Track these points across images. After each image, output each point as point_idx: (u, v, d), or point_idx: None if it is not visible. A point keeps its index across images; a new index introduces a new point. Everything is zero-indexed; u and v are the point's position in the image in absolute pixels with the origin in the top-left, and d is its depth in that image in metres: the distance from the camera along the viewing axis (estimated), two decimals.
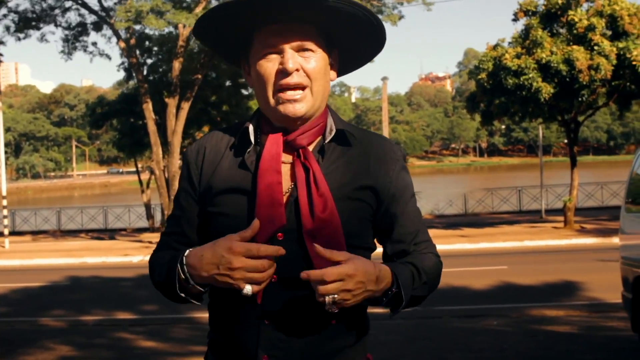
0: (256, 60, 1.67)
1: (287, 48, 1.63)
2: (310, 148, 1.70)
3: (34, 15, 23.85)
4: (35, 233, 28.26)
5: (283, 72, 1.62)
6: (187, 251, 1.62)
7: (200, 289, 1.63)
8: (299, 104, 1.64)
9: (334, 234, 1.60)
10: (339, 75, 1.83)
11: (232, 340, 1.69)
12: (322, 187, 1.61)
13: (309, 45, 1.65)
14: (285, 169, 1.68)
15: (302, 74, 1.64)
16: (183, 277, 1.61)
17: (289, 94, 1.63)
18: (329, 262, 1.52)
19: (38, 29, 24.41)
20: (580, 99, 17.82)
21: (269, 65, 1.64)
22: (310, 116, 1.68)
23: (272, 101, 1.65)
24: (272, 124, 1.71)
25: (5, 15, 23.58)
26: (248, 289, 1.55)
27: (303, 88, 1.64)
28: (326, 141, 1.70)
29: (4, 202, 23.88)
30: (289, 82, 1.62)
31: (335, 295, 1.51)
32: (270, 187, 1.61)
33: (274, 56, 1.64)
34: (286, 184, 1.66)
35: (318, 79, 1.66)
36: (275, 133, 1.68)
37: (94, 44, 25.65)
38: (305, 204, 1.61)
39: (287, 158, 1.69)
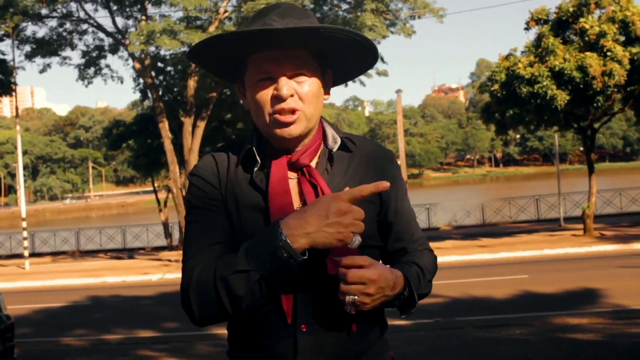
0: (251, 85, 1.74)
1: (282, 74, 1.70)
2: (313, 164, 1.78)
3: (52, 40, 24.19)
4: (55, 254, 28.47)
5: (278, 98, 1.69)
6: (280, 220, 1.58)
7: (296, 258, 1.54)
8: (293, 126, 1.71)
9: None
10: (333, 85, 1.91)
11: (269, 353, 1.71)
12: None
13: (303, 70, 1.72)
14: (292, 187, 1.75)
15: (296, 98, 1.71)
16: (280, 243, 1.53)
17: (284, 117, 1.70)
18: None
19: (57, 55, 24.77)
20: (595, 106, 17.75)
21: (264, 91, 1.71)
22: (305, 136, 1.76)
23: (268, 124, 1.72)
24: (271, 143, 1.78)
25: (22, 42, 23.93)
26: (357, 238, 1.57)
27: (297, 111, 1.71)
28: (334, 150, 1.79)
29: (24, 224, 24.10)
30: (283, 107, 1.69)
31: (356, 297, 1.58)
32: (283, 208, 1.67)
33: (268, 82, 1.71)
34: (295, 202, 1.73)
35: (311, 102, 1.73)
36: (278, 153, 1.75)
37: (108, 66, 25.80)
38: None
39: (292, 175, 1.76)
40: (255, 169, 1.75)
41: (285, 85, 1.68)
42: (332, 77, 1.86)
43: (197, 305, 1.63)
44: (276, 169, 1.73)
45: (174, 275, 18.62)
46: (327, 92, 1.84)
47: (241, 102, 1.88)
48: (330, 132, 1.82)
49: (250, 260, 1.56)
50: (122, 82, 27.30)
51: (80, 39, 25.04)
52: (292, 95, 1.69)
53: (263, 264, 1.55)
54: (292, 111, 1.70)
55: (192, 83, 22.02)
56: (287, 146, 1.76)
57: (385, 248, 1.86)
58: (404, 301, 1.72)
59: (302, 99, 1.71)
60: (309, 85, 1.72)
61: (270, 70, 1.70)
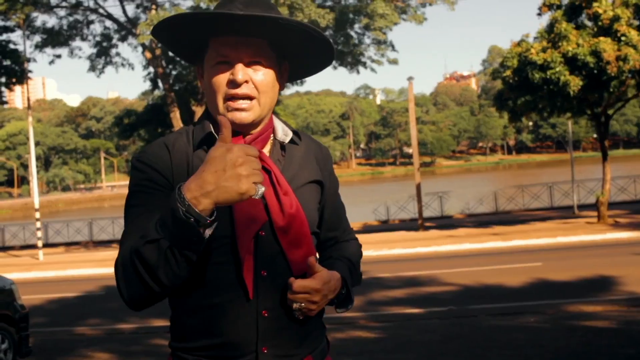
0: (209, 68, 1.77)
1: (239, 60, 1.73)
2: (266, 151, 1.82)
3: (63, 31, 24.23)
4: (68, 244, 28.69)
5: (233, 83, 1.72)
6: (179, 185, 1.49)
7: (203, 223, 1.47)
8: (245, 113, 1.73)
9: (301, 226, 1.75)
10: (288, 81, 1.94)
11: (229, 339, 1.72)
12: (284, 186, 1.75)
13: (260, 59, 1.75)
14: None
15: (251, 85, 1.73)
16: (184, 208, 1.44)
17: (238, 103, 1.73)
18: (304, 263, 1.73)
19: (68, 45, 24.84)
20: (609, 91, 17.60)
21: (221, 75, 1.73)
22: (256, 124, 1.79)
23: (221, 108, 1.74)
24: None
25: (33, 32, 23.98)
26: (261, 188, 1.48)
27: (251, 98, 1.74)
28: (286, 142, 1.85)
29: (37, 215, 24.24)
30: (237, 93, 1.72)
31: (302, 304, 1.71)
32: None
33: (225, 66, 1.73)
34: None
35: (266, 91, 1.76)
36: (234, 137, 1.73)
37: (118, 54, 25.83)
38: (275, 203, 1.73)
39: None
40: None
41: (241, 70, 1.71)
42: (288, 70, 1.88)
43: (123, 284, 1.61)
44: None
45: None
46: (281, 87, 1.85)
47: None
48: (280, 125, 1.86)
49: (159, 229, 1.50)
50: (132, 69, 27.39)
51: (89, 29, 25.12)
52: (246, 82, 1.72)
53: (169, 230, 1.48)
54: (246, 98, 1.73)
55: None
56: (238, 130, 1.77)
57: (318, 236, 1.94)
58: (343, 299, 1.87)
59: (256, 87, 1.74)
60: (264, 74, 1.75)
61: (228, 55, 1.73)
